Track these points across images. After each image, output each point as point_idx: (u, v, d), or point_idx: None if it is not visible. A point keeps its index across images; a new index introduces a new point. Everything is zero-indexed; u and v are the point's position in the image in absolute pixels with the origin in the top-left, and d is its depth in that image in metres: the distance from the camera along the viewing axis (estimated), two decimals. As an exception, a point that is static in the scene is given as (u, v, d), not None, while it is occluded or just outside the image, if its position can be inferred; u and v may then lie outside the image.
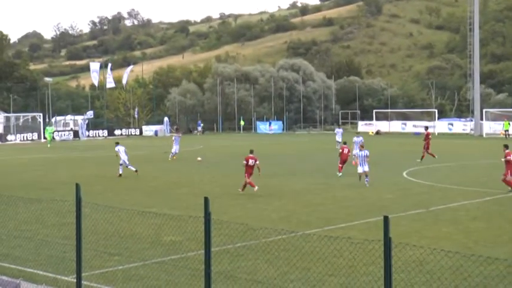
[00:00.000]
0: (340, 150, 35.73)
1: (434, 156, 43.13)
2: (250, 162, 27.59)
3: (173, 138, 50.25)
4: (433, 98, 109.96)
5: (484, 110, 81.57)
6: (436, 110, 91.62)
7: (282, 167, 40.09)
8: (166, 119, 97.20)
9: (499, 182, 30.21)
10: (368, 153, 29.95)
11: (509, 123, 77.40)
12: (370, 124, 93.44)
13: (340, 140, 54.51)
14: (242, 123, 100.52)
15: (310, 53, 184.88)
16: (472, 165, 40.22)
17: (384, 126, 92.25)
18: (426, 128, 47.68)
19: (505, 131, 75.39)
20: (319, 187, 29.44)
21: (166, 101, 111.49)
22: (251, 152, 28.25)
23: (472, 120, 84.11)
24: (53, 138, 77.03)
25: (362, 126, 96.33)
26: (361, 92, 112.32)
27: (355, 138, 42.40)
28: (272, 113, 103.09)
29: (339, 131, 57.75)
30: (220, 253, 14.67)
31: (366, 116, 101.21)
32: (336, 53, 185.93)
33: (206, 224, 10.01)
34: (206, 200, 9.94)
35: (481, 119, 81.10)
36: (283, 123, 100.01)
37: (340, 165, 35.04)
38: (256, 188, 27.22)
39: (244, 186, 27.65)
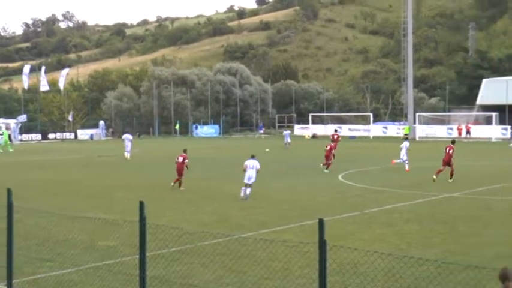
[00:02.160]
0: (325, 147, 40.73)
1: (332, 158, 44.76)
2: (180, 159, 30.27)
3: (125, 138, 51.00)
4: (368, 102, 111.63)
5: (417, 114, 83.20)
6: (371, 114, 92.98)
7: (218, 171, 40.07)
8: (101, 122, 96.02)
9: (431, 184, 30.91)
10: (258, 166, 26.78)
11: (409, 128, 79.61)
12: (306, 128, 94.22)
13: (289, 140, 59.10)
14: (177, 126, 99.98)
15: (247, 56, 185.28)
16: (405, 168, 40.88)
17: (319, 129, 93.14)
18: (335, 130, 51.33)
19: (405, 134, 76.79)
20: (255, 190, 29.45)
21: (102, 105, 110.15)
22: (184, 151, 31.23)
23: (405, 124, 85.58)
24: None
25: (298, 129, 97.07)
26: (298, 96, 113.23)
27: (404, 143, 40.66)
28: (209, 117, 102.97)
29: (286, 133, 64.97)
30: (156, 257, 14.55)
31: (302, 119, 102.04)
32: (273, 56, 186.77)
33: (141, 228, 9.93)
34: (141, 204, 9.87)
35: (414, 123, 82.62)
36: (219, 126, 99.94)
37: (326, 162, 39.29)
38: (172, 184, 30.22)
39: (175, 181, 30.43)
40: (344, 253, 13.85)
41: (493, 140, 71.76)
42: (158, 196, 27.59)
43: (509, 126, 72.88)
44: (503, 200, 26.07)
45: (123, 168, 43.20)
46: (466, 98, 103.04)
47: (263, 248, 13.90)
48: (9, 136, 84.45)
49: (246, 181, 26.47)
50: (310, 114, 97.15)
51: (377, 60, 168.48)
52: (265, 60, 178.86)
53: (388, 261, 12.51)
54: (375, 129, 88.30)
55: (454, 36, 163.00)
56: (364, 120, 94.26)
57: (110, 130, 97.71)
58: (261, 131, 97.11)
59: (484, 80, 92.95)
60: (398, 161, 39.98)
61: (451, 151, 32.78)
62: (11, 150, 64.85)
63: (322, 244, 8.21)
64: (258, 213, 22.98)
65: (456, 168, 33.23)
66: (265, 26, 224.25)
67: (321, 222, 8.25)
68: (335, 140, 47.66)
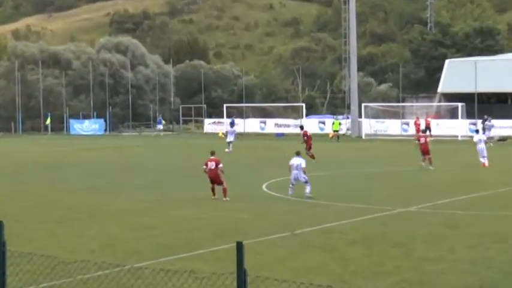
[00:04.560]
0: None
1: (313, 158, 46.62)
2: (210, 165, 30.46)
3: None
4: (300, 89, 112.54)
5: (363, 105, 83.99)
6: (304, 105, 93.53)
7: (103, 179, 39.69)
8: None
9: (382, 197, 31.39)
10: (303, 165, 30.76)
11: (340, 123, 79.42)
12: (219, 123, 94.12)
13: (233, 140, 58.71)
14: (49, 121, 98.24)
15: (141, 28, 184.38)
16: (348, 175, 41.42)
17: (238, 125, 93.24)
18: (301, 127, 58.39)
19: (335, 131, 76.54)
20: (152, 205, 29.37)
21: None
22: (212, 153, 31.34)
23: (348, 118, 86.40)
24: None
25: (209, 125, 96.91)
26: (208, 81, 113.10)
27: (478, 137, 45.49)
28: (91, 108, 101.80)
29: (230, 130, 64.66)
30: (20, 296, 14.31)
31: (215, 111, 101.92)
32: (175, 29, 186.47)
33: (0, 257, 9.74)
34: (0, 224, 9.68)
35: (360, 116, 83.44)
36: (105, 121, 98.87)
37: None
38: (214, 197, 30.30)
39: (212, 190, 30.48)
40: (271, 286, 13.90)
41: (459, 139, 73.31)
42: (23, 213, 27.13)
43: (480, 121, 74.16)
44: (472, 215, 26.68)
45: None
46: (424, 84, 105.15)
47: (164, 281, 13.84)
48: None
49: (292, 181, 30.85)
50: (225, 105, 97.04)
51: (311, 35, 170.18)
52: (165, 33, 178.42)
53: (328, 296, 12.62)
54: (310, 124, 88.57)
55: (408, 4, 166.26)
56: (295, 113, 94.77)
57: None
58: (160, 126, 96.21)
59: (447, 61, 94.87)
60: (484, 159, 42.96)
61: None
62: None
63: (241, 275, 8.23)
64: (158, 235, 22.88)
65: (413, 176, 33.71)
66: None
67: (239, 247, 8.27)
68: (309, 137, 51.80)
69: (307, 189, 30.31)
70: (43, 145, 73.21)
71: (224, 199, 29.89)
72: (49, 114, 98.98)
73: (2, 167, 48.59)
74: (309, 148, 50.23)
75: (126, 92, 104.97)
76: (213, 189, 30.25)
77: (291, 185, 30.89)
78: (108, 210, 28.21)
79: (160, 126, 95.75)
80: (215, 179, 30.34)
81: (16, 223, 23.92)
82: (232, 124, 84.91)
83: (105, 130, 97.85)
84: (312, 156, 48.38)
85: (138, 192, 33.73)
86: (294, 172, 30.60)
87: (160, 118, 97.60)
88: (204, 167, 30.65)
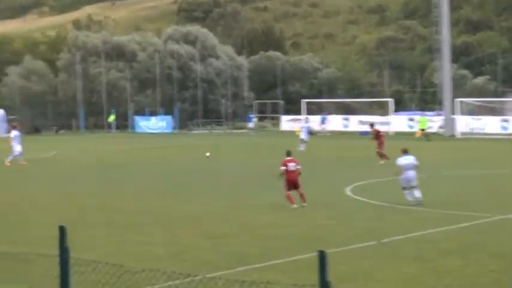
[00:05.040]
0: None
1: (387, 159, 45.75)
2: (291, 166, 29.70)
3: (12, 136, 50.62)
4: (387, 83, 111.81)
5: (457, 100, 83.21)
6: (391, 100, 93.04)
7: (171, 182, 39.97)
8: (1, 112, 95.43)
9: (479, 202, 31.05)
10: (415, 162, 30.71)
11: (428, 120, 78.36)
12: (298, 120, 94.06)
13: (305, 138, 58.52)
14: (112, 118, 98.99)
15: (211, 17, 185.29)
16: (441, 178, 41.06)
17: (318, 122, 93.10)
18: (371, 125, 55.38)
19: (422, 130, 75.89)
20: (224, 210, 29.45)
21: (1, 86, 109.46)
22: (288, 154, 30.53)
23: (440, 114, 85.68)
24: None
25: (287, 122, 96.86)
26: (285, 74, 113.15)
27: None
28: (157, 104, 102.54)
29: (304, 126, 63.78)
30: (84, 308, 14.48)
31: (293, 108, 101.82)
32: (248, 17, 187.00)
33: (62, 265, 9.84)
34: (62, 230, 9.78)
35: (453, 113, 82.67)
36: (173, 118, 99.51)
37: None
38: (295, 206, 29.03)
39: (290, 198, 29.43)
40: (357, 300, 13.85)
41: None
42: (86, 218, 27.45)
43: None
44: None
45: (37, 178, 42.92)
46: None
47: (240, 294, 13.85)
48: None
49: (405, 185, 30.20)
50: (304, 101, 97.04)
51: (398, 23, 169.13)
52: (238, 22, 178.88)
53: (420, 312, 12.55)
54: (398, 122, 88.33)
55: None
56: (382, 109, 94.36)
57: (13, 124, 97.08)
58: (251, 124, 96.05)
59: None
60: None
61: None
62: None
63: (324, 287, 8.20)
64: (230, 243, 22.93)
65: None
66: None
67: (322, 256, 8.25)
68: (380, 134, 51.53)
69: (417, 194, 29.93)
70: (107, 144, 73.99)
71: (303, 204, 29.54)
72: (114, 110, 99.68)
73: (63, 168, 49.28)
74: (380, 147, 49.66)
75: (195, 87, 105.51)
76: (290, 196, 29.35)
77: (405, 191, 30.11)
78: (176, 215, 28.37)
79: (252, 124, 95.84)
80: (295, 182, 29.73)
81: (78, 228, 24.23)
82: (323, 121, 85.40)
83: (173, 128, 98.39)
84: (384, 156, 48.00)
85: (209, 196, 33.88)
86: (407, 173, 30.03)
87: (253, 115, 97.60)
88: (284, 168, 29.73)
